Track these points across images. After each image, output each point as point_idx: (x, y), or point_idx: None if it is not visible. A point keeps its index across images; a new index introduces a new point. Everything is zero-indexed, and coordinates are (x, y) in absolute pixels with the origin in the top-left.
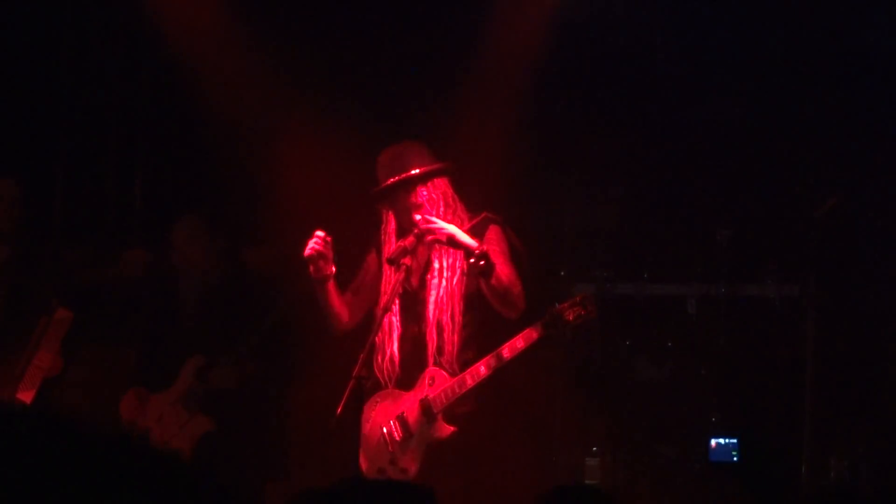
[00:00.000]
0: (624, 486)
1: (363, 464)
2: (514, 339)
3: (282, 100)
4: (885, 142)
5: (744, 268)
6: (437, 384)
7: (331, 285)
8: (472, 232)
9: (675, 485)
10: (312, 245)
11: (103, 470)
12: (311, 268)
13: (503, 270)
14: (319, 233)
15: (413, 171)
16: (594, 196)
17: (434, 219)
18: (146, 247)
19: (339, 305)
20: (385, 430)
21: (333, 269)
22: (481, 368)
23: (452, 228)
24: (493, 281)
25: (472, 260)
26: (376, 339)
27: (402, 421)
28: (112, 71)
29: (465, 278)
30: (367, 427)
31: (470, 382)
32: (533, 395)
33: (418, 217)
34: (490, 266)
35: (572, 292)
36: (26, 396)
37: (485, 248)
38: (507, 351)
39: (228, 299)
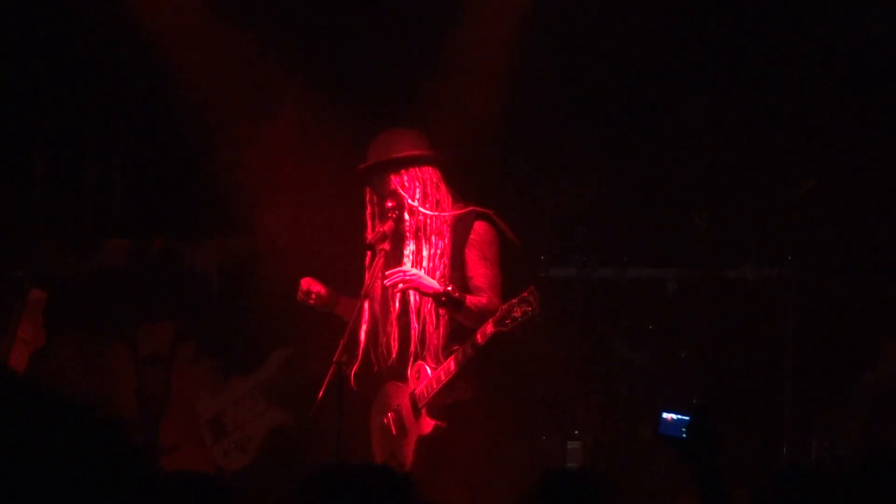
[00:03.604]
0: (605, 469)
1: (376, 454)
2: (475, 334)
3: (262, 89)
4: (863, 122)
5: (723, 250)
6: (422, 378)
7: (342, 307)
8: (456, 224)
9: (655, 467)
10: (300, 299)
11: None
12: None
13: (479, 280)
14: (302, 287)
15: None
16: (573, 180)
17: (401, 270)
18: (126, 235)
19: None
20: (385, 422)
21: (336, 296)
22: (451, 364)
23: (415, 280)
24: (463, 314)
25: (440, 302)
26: (363, 325)
27: (397, 415)
28: (91, 60)
29: (448, 270)
30: (374, 418)
31: (444, 378)
32: (516, 380)
33: (388, 273)
34: (457, 303)
35: (550, 276)
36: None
37: (449, 288)
38: (470, 347)
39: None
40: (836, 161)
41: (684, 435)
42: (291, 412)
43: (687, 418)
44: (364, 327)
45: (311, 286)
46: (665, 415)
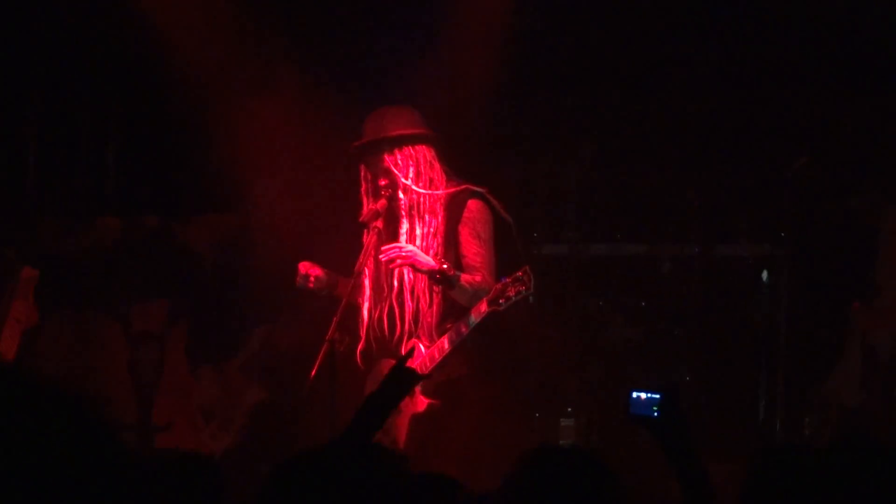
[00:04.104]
0: (598, 447)
1: None
2: (470, 311)
3: (257, 66)
4: (855, 99)
5: (716, 227)
6: (415, 356)
7: (341, 288)
8: (449, 203)
9: (649, 444)
10: (299, 283)
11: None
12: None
13: (473, 258)
14: (300, 271)
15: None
16: (566, 157)
17: (397, 246)
18: (120, 213)
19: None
20: None
21: (333, 277)
22: (444, 343)
23: (412, 257)
24: (458, 292)
25: (435, 280)
26: (365, 303)
27: None
28: (85, 37)
29: (442, 248)
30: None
31: (438, 356)
32: (509, 357)
33: (383, 249)
34: (452, 280)
35: (543, 254)
36: (8, 352)
37: (444, 266)
38: (463, 326)
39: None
40: (829, 137)
41: (656, 413)
42: (269, 388)
43: (658, 396)
44: (366, 305)
45: (310, 270)
46: (635, 394)
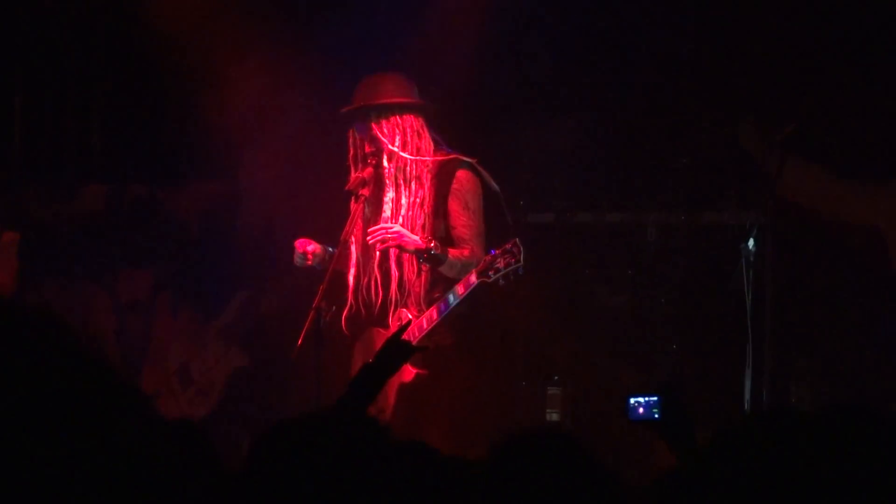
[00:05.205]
0: (585, 415)
1: None
2: (458, 284)
3: (243, 31)
4: (843, 65)
5: (703, 195)
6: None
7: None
8: (438, 172)
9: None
10: (297, 262)
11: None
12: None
13: (462, 230)
14: (298, 250)
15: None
16: (552, 124)
17: (384, 227)
18: (105, 180)
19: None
20: None
21: (327, 251)
22: (433, 313)
23: (399, 238)
24: (446, 267)
25: (422, 259)
26: (351, 269)
27: None
28: (70, 5)
29: (430, 219)
30: (356, 364)
31: (426, 326)
32: (496, 326)
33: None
34: (439, 259)
35: (529, 222)
36: None
37: (431, 245)
38: (451, 296)
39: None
40: (817, 104)
41: (657, 416)
42: (250, 354)
43: (655, 398)
44: (352, 271)
45: (307, 247)
46: (632, 400)
